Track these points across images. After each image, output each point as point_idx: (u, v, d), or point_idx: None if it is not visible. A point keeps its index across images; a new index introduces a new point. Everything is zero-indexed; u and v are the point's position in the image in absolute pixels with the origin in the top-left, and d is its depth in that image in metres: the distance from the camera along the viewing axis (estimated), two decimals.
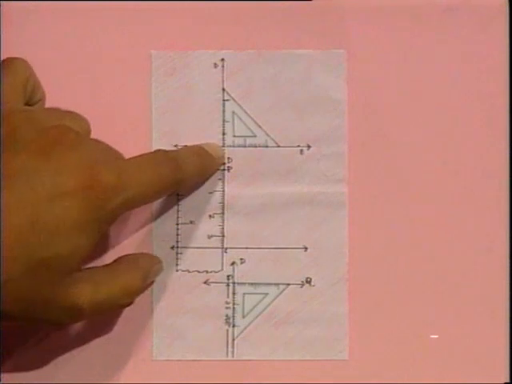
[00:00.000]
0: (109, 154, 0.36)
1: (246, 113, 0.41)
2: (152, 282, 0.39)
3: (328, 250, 0.41)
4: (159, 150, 0.37)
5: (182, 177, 0.37)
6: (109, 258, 0.40)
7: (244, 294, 0.40)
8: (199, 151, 0.39)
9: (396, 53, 0.41)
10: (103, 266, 0.37)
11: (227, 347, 0.40)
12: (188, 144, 0.41)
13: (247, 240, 0.41)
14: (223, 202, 0.41)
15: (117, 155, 0.37)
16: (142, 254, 0.40)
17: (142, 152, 0.40)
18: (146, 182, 0.35)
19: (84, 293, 0.35)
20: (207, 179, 0.41)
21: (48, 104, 0.40)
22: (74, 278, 0.35)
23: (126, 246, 0.41)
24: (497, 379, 0.40)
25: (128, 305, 0.37)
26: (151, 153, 0.37)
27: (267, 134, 0.41)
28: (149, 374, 0.40)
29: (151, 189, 0.36)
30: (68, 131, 0.35)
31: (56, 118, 0.36)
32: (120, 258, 0.38)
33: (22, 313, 0.34)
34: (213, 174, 0.41)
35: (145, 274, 0.37)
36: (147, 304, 0.40)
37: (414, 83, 0.41)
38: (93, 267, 0.37)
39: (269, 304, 0.40)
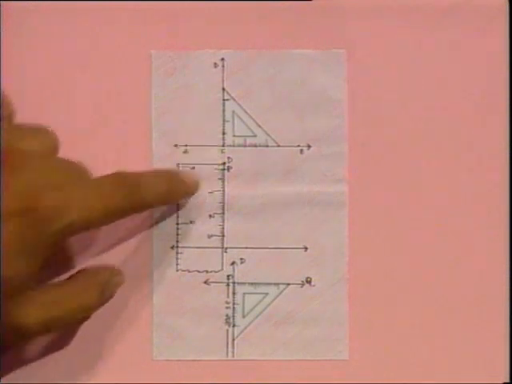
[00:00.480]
0: (61, 175, 0.35)
1: (246, 112, 0.41)
2: (112, 295, 0.39)
3: (328, 250, 0.41)
4: (118, 173, 0.36)
5: (141, 202, 0.37)
6: (108, 257, 0.40)
7: (244, 293, 0.40)
8: (168, 175, 0.39)
9: (396, 53, 0.41)
10: (58, 282, 0.37)
11: (227, 347, 0.40)
12: (188, 143, 0.41)
13: (247, 240, 0.41)
14: (223, 202, 0.41)
15: (72, 177, 0.36)
16: (100, 266, 0.39)
17: (142, 152, 0.41)
18: (93, 206, 0.35)
19: (32, 313, 0.34)
20: (177, 202, 0.40)
21: (48, 105, 0.40)
22: (23, 298, 0.34)
23: (125, 246, 0.40)
24: (497, 379, 0.40)
25: (85, 319, 0.37)
26: (107, 176, 0.36)
27: (267, 134, 0.41)
28: (149, 374, 0.40)
29: (99, 214, 0.35)
30: (15, 152, 0.35)
31: (18, 137, 0.36)
32: (77, 272, 0.38)
33: None
34: (183, 198, 0.40)
35: (102, 288, 0.37)
36: (147, 304, 0.40)
37: (413, 83, 0.41)
38: (47, 284, 0.37)
39: (269, 304, 0.40)
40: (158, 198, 0.38)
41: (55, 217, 0.34)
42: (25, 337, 0.35)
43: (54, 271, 0.39)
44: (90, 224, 0.35)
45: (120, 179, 0.36)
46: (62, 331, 0.40)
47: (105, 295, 0.38)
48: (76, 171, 0.36)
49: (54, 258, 0.37)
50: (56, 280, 0.39)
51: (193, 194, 0.40)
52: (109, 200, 0.35)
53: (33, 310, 0.35)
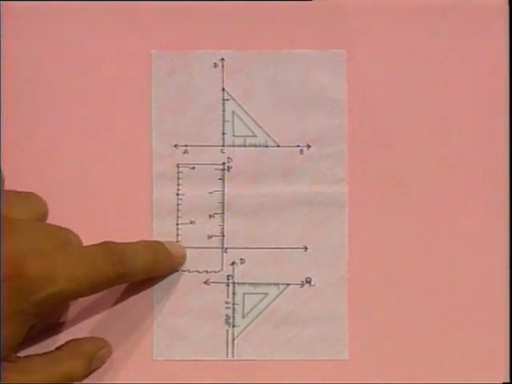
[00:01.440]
0: (48, 242, 0.36)
1: (245, 112, 0.41)
2: (99, 366, 0.39)
3: (328, 250, 0.41)
4: (105, 243, 0.37)
5: (127, 272, 0.36)
6: None
7: (244, 293, 0.40)
8: (155, 246, 0.39)
9: (396, 53, 0.41)
10: (42, 353, 0.37)
11: (227, 347, 0.40)
12: (188, 144, 0.41)
13: (247, 240, 0.41)
14: (223, 202, 0.41)
15: (59, 244, 0.36)
16: (87, 338, 0.39)
17: (142, 152, 0.41)
18: (79, 276, 0.35)
19: (10, 378, 0.35)
20: (162, 274, 0.40)
21: (48, 105, 0.40)
22: (6, 368, 0.35)
23: None
24: (497, 379, 0.40)
25: None
26: (95, 245, 0.36)
27: (267, 134, 0.41)
28: (149, 374, 0.40)
29: (85, 283, 0.35)
30: (3, 219, 0.35)
31: (6, 205, 0.36)
32: (64, 344, 0.38)
33: None
34: (169, 271, 0.40)
35: (88, 359, 0.38)
36: (147, 304, 0.40)
37: (413, 83, 0.41)
38: (30, 355, 0.37)
39: (269, 304, 0.40)
40: (144, 270, 0.38)
41: (40, 285, 0.34)
42: None
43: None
44: (79, 293, 0.35)
45: (107, 250, 0.36)
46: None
47: (91, 367, 0.38)
48: (64, 238, 0.37)
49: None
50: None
51: (180, 266, 0.40)
52: (97, 270, 0.35)
53: (12, 376, 0.35)
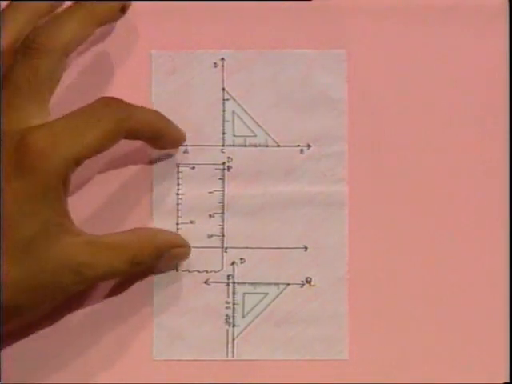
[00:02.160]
0: (40, 119, 0.36)
1: (246, 112, 0.41)
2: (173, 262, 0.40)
3: (328, 250, 0.41)
4: (103, 97, 0.37)
5: (129, 117, 0.37)
6: None
7: (244, 293, 0.40)
8: (158, 112, 0.39)
9: (396, 53, 0.41)
10: (112, 233, 0.38)
11: (227, 347, 0.40)
12: (188, 143, 0.41)
13: (247, 240, 0.41)
14: (223, 202, 0.41)
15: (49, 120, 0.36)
16: (165, 231, 0.40)
17: (142, 152, 0.41)
18: (80, 131, 0.35)
19: (82, 250, 0.35)
20: (168, 142, 0.40)
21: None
22: (69, 239, 0.35)
23: None
24: (497, 379, 0.40)
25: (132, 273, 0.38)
26: (94, 102, 0.37)
27: (267, 134, 0.41)
28: (149, 374, 0.40)
29: (88, 137, 0.36)
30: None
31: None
32: (138, 228, 0.39)
33: (28, 296, 0.35)
34: (174, 142, 0.40)
35: (159, 250, 0.38)
36: (147, 304, 0.40)
37: (413, 83, 0.41)
38: (100, 235, 0.37)
39: (269, 304, 0.40)
40: (147, 122, 0.38)
41: (48, 153, 0.34)
42: (78, 276, 0.36)
43: None
44: (84, 151, 0.35)
45: (107, 100, 0.36)
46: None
47: (160, 260, 0.38)
48: None
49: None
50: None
51: (183, 141, 0.40)
52: (97, 123, 0.36)
53: (83, 248, 0.36)
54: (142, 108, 0.38)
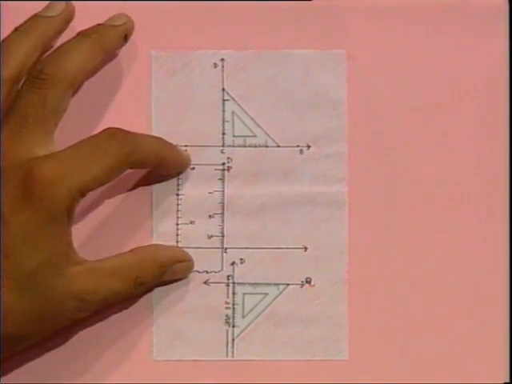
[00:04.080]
0: (45, 150, 0.37)
1: (245, 113, 0.41)
2: (176, 278, 0.40)
3: (328, 250, 0.41)
4: (108, 128, 0.37)
5: (135, 150, 0.37)
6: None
7: (244, 294, 0.40)
8: (162, 139, 0.39)
9: (396, 53, 0.41)
10: (113, 256, 0.38)
11: (227, 347, 0.40)
12: (188, 144, 0.41)
13: (247, 240, 0.41)
14: (223, 202, 0.41)
15: (54, 150, 0.37)
16: (167, 246, 0.40)
17: None
18: (87, 163, 0.36)
19: (85, 278, 0.36)
20: (172, 168, 0.40)
21: None
22: (76, 271, 0.36)
23: (125, 245, 0.40)
24: (497, 379, 0.40)
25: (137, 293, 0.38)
26: (98, 133, 0.37)
27: (267, 134, 0.41)
28: (149, 374, 0.40)
29: (95, 168, 0.36)
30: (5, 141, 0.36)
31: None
32: (138, 247, 0.39)
33: (31, 325, 0.35)
34: (177, 166, 0.40)
35: (161, 267, 0.38)
36: (147, 304, 0.40)
37: (413, 83, 0.41)
38: (100, 260, 0.37)
39: (269, 304, 0.40)
40: (152, 153, 0.38)
41: (56, 183, 0.35)
42: (82, 304, 0.36)
43: None
44: (90, 183, 0.36)
45: (110, 133, 0.37)
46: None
47: (162, 278, 0.39)
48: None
49: None
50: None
51: (186, 167, 0.40)
52: (103, 153, 0.36)
53: (89, 279, 0.36)
54: (147, 138, 0.38)
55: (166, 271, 0.39)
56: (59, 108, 0.37)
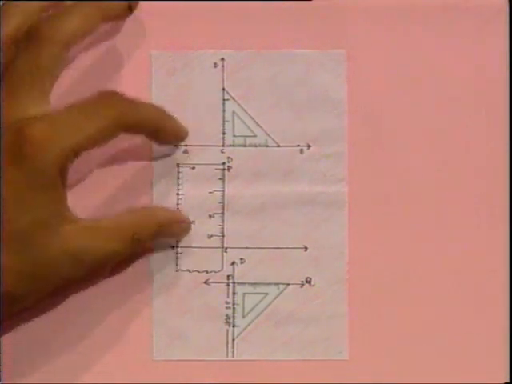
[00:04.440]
0: (40, 110, 0.36)
1: (246, 112, 0.41)
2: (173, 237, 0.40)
3: (328, 250, 0.41)
4: (101, 91, 0.37)
5: (129, 111, 0.37)
6: None
7: (244, 293, 0.40)
8: (160, 108, 0.39)
9: (396, 53, 0.41)
10: (110, 216, 0.38)
11: (227, 347, 0.40)
12: (188, 143, 0.41)
13: (247, 240, 0.41)
14: (223, 202, 0.41)
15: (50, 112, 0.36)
16: (164, 207, 0.40)
17: (142, 152, 0.41)
18: (79, 123, 0.35)
19: (81, 236, 0.36)
20: (169, 138, 0.40)
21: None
22: (68, 229, 0.35)
23: None
24: (497, 379, 0.40)
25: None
26: (91, 96, 0.37)
27: (267, 134, 0.41)
28: (149, 374, 0.40)
29: (88, 129, 0.35)
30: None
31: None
32: (134, 207, 0.39)
33: (27, 284, 0.35)
34: (175, 137, 0.40)
35: (159, 227, 0.38)
36: (147, 304, 0.40)
37: (413, 83, 0.41)
38: (97, 218, 0.37)
39: (269, 304, 0.40)
40: (149, 119, 0.38)
41: (48, 145, 0.34)
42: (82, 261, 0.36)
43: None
44: (83, 143, 0.35)
45: (106, 93, 0.36)
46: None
47: (160, 236, 0.38)
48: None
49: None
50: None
51: (184, 138, 0.40)
52: (96, 115, 0.36)
53: (81, 236, 0.36)
54: (143, 103, 0.38)
55: (163, 230, 0.38)
56: (54, 68, 0.36)
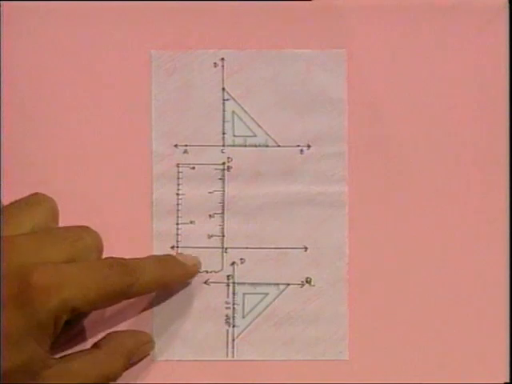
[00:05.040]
0: (56, 251, 0.35)
1: (245, 112, 0.41)
2: (137, 362, 0.39)
3: (328, 250, 0.41)
4: (112, 257, 0.36)
5: (134, 281, 0.36)
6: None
7: (244, 293, 0.40)
8: (164, 258, 0.39)
9: (396, 52, 0.41)
10: (80, 352, 0.37)
11: (227, 347, 0.40)
12: (188, 144, 0.41)
13: (247, 240, 0.41)
14: (223, 202, 0.41)
15: (65, 253, 0.36)
16: (129, 332, 0.39)
17: (142, 152, 0.41)
18: (85, 283, 0.35)
19: (57, 379, 0.35)
20: (174, 286, 0.40)
21: (48, 105, 0.40)
22: (46, 374, 0.35)
23: (126, 245, 0.40)
24: (497, 379, 0.40)
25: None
26: (101, 259, 0.37)
27: (267, 134, 0.41)
28: (149, 374, 0.40)
29: (92, 291, 0.35)
30: (3, 238, 0.35)
31: (6, 221, 0.36)
32: (102, 339, 0.38)
33: None
34: (183, 279, 0.40)
35: (128, 357, 0.37)
36: (147, 304, 0.40)
37: (413, 83, 0.41)
38: (68, 356, 0.37)
39: (269, 304, 0.40)
40: (153, 281, 0.37)
41: (48, 294, 0.34)
42: None
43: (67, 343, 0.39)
44: (88, 302, 0.35)
45: (112, 261, 0.36)
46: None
47: (130, 363, 0.38)
48: (73, 242, 0.36)
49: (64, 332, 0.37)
50: (81, 349, 0.38)
51: (195, 274, 0.40)
52: (104, 278, 0.35)
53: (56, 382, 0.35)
54: (148, 266, 0.37)
55: (132, 357, 0.38)
56: None
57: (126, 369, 0.38)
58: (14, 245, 0.35)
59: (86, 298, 0.35)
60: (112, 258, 0.36)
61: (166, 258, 0.39)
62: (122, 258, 0.36)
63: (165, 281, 0.39)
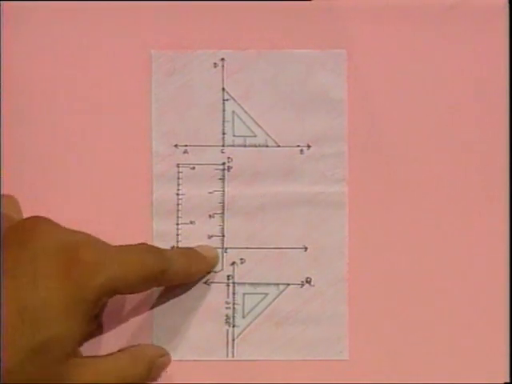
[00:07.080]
0: (89, 237, 0.36)
1: (246, 112, 0.41)
2: (157, 376, 0.39)
3: (328, 250, 0.41)
4: (144, 243, 0.37)
5: (168, 269, 0.37)
6: None
7: (244, 293, 0.40)
8: (189, 251, 0.39)
9: (396, 52, 0.41)
10: (105, 355, 0.37)
11: (227, 347, 0.40)
12: (188, 144, 0.41)
13: (247, 240, 0.41)
14: (223, 202, 0.41)
15: (98, 239, 0.36)
16: (148, 344, 0.40)
17: (142, 152, 0.41)
18: (128, 262, 0.35)
19: (85, 377, 0.35)
20: (196, 279, 0.40)
21: (48, 105, 0.40)
22: (75, 363, 0.35)
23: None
24: (497, 379, 0.40)
25: None
26: (137, 244, 0.37)
27: (267, 134, 0.41)
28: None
29: (133, 272, 0.35)
30: (40, 220, 0.35)
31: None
32: (125, 348, 0.38)
33: None
34: (205, 272, 0.40)
35: (150, 366, 0.37)
36: (147, 304, 0.40)
37: (413, 83, 0.41)
38: (92, 356, 0.37)
39: (269, 304, 0.40)
40: (181, 271, 0.38)
41: (95, 270, 0.34)
42: None
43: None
44: (128, 282, 0.35)
45: (148, 246, 0.37)
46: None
47: (151, 374, 0.38)
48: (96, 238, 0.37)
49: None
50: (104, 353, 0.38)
51: (214, 266, 0.40)
52: (144, 260, 0.36)
53: (86, 375, 0.35)
54: (177, 257, 0.38)
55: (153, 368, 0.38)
56: None
57: (147, 380, 0.38)
58: (59, 226, 0.36)
59: (126, 279, 0.35)
60: (147, 244, 0.37)
61: (189, 251, 0.40)
62: (155, 246, 0.37)
63: (191, 272, 0.39)
